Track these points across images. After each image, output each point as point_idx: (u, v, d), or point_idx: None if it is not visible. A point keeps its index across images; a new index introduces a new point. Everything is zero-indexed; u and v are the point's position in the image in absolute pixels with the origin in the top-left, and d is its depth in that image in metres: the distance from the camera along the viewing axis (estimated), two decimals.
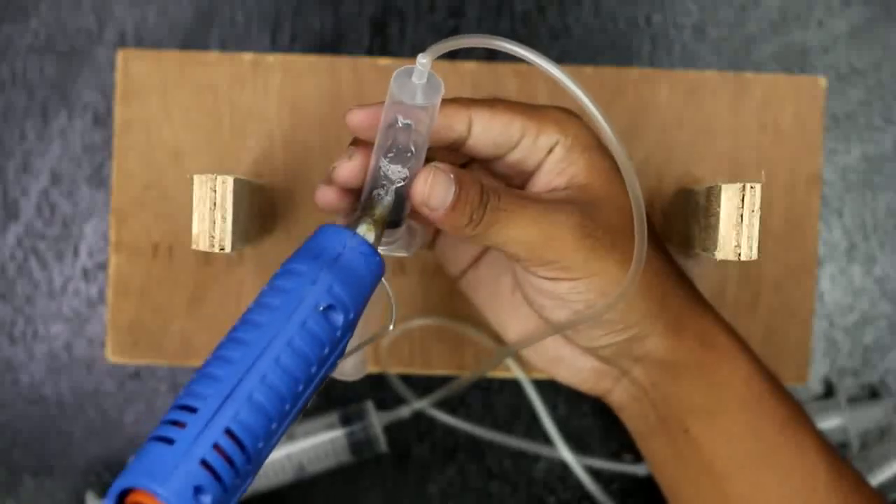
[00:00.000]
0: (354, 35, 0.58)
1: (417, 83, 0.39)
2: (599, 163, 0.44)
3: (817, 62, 0.59)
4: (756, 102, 0.57)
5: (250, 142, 0.57)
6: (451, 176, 0.40)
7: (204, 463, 0.34)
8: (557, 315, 0.45)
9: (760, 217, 0.43)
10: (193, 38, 0.58)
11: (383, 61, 0.57)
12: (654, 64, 0.59)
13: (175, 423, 0.35)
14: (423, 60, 0.39)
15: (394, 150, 0.41)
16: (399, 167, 0.41)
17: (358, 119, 0.43)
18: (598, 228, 0.43)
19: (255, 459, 0.36)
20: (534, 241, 0.42)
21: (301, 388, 0.37)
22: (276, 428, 0.36)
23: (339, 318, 0.38)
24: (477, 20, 0.58)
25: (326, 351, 0.38)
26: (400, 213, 0.43)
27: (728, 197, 0.43)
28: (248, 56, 0.57)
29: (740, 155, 0.57)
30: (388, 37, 0.58)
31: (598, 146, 0.45)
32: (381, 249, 0.43)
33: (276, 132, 0.57)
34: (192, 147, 0.57)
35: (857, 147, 0.59)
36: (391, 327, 0.43)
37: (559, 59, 0.58)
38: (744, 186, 0.43)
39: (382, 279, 0.41)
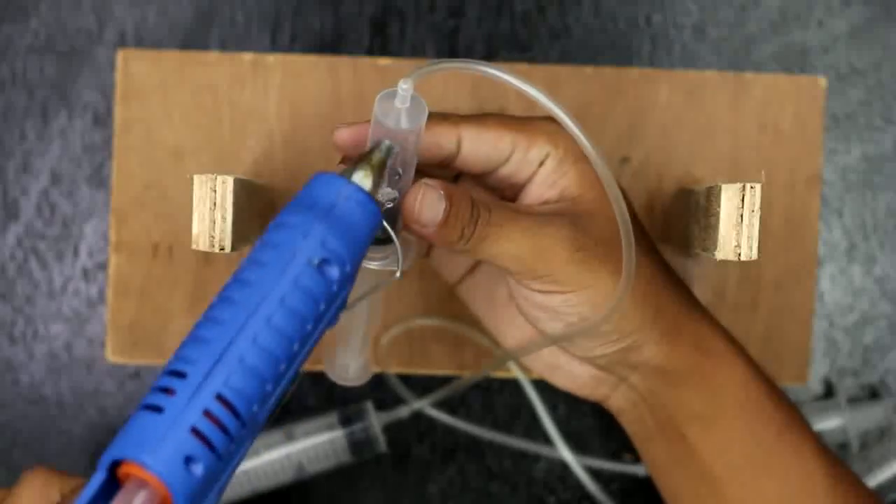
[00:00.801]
0: (354, 35, 0.58)
1: (401, 107, 0.40)
2: (591, 174, 0.44)
3: (817, 62, 0.59)
4: (756, 102, 0.57)
5: (250, 142, 0.57)
6: (442, 192, 0.40)
7: (194, 431, 0.33)
8: (551, 327, 0.45)
9: (760, 217, 0.43)
10: (193, 38, 0.58)
11: (383, 61, 0.57)
12: (654, 64, 0.59)
13: (164, 390, 0.33)
14: (405, 86, 0.39)
15: None
16: (388, 188, 0.41)
17: (343, 138, 0.43)
18: (590, 241, 0.43)
19: (250, 424, 0.34)
20: (525, 254, 0.42)
21: (296, 346, 0.35)
22: (271, 390, 0.35)
23: (334, 272, 0.36)
24: (477, 20, 0.58)
25: (322, 307, 0.36)
26: (393, 230, 0.43)
27: (728, 197, 0.43)
28: (248, 56, 0.57)
29: (740, 155, 0.57)
30: (388, 37, 0.58)
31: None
32: (374, 265, 0.43)
33: (276, 132, 0.57)
34: (192, 147, 0.57)
35: (857, 147, 0.59)
36: (398, 275, 0.41)
37: (559, 60, 0.58)
38: (744, 186, 0.43)
39: (385, 224, 0.39)
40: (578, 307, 0.44)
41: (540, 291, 0.44)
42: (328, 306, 0.37)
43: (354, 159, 0.40)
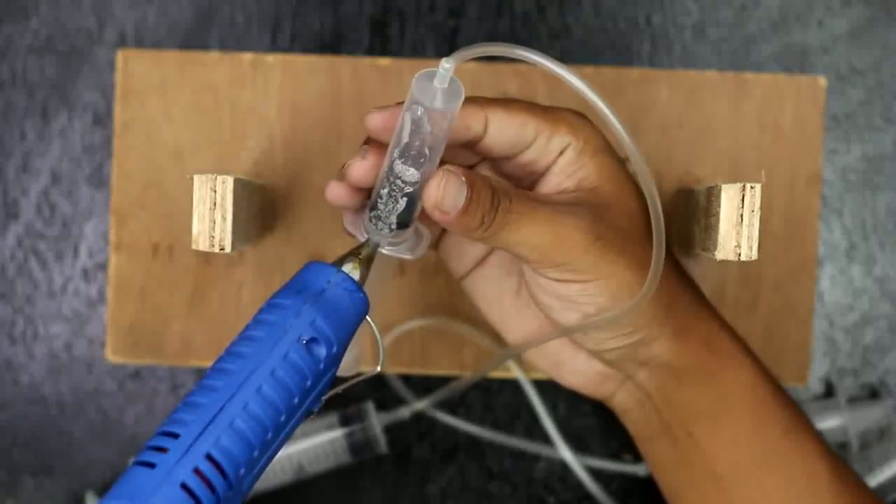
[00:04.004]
0: (354, 35, 0.58)
1: (438, 87, 0.39)
2: (609, 166, 0.45)
3: (817, 62, 0.59)
4: (756, 102, 0.57)
5: (250, 142, 0.57)
6: (463, 179, 0.40)
7: (184, 486, 0.35)
8: (565, 317, 0.45)
9: (760, 217, 0.43)
10: (193, 38, 0.58)
11: (383, 61, 0.57)
12: (654, 64, 0.58)
13: (157, 448, 0.35)
14: (447, 65, 0.39)
15: (408, 153, 0.41)
16: (412, 170, 0.41)
17: (376, 122, 0.43)
18: (608, 231, 0.43)
19: (236, 486, 0.36)
20: (544, 243, 0.42)
21: (283, 417, 0.38)
22: (258, 456, 0.37)
23: (321, 351, 0.39)
24: (477, 20, 0.58)
25: (309, 383, 0.39)
26: (410, 215, 0.43)
27: (728, 197, 0.43)
28: (248, 56, 0.57)
29: (740, 155, 0.57)
30: (388, 37, 0.58)
31: (609, 150, 0.45)
32: (386, 250, 0.44)
33: (276, 132, 0.57)
34: (192, 147, 0.57)
35: (857, 147, 0.59)
36: (379, 368, 0.43)
37: (559, 60, 0.58)
38: (744, 186, 0.43)
39: (368, 318, 0.42)
40: (596, 296, 0.44)
41: (557, 280, 0.44)
42: (314, 383, 0.39)
43: (345, 253, 0.42)
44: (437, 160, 0.41)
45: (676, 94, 0.57)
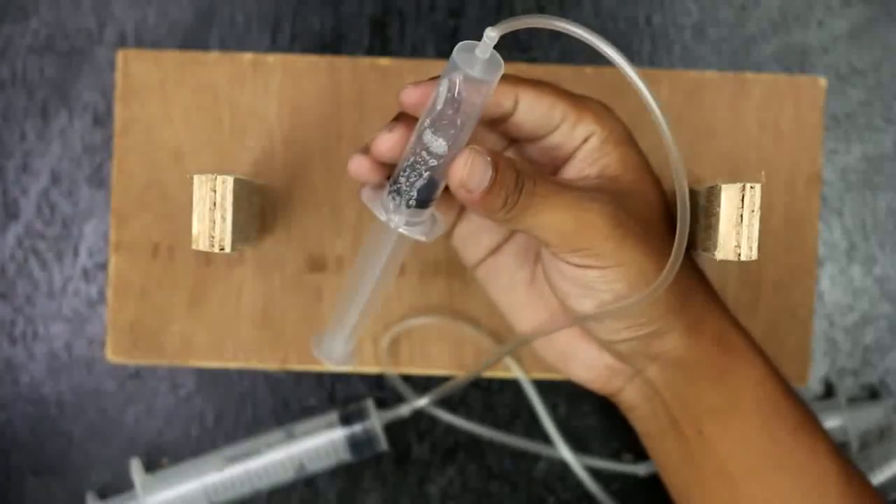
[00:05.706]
0: (354, 35, 0.58)
1: (480, 56, 0.39)
2: (631, 157, 0.45)
3: (817, 62, 0.59)
4: (756, 102, 0.57)
5: (250, 142, 0.57)
6: (489, 159, 0.41)
7: None
8: (581, 304, 0.45)
9: (760, 217, 0.43)
10: (193, 38, 0.58)
11: (383, 61, 0.57)
12: (654, 64, 0.58)
13: None
14: (492, 34, 0.39)
15: (440, 122, 0.40)
16: (441, 140, 0.41)
17: (412, 96, 0.43)
18: (629, 219, 0.43)
19: None
20: (567, 227, 0.42)
21: None
22: None
23: None
24: (477, 20, 0.58)
25: None
26: (431, 194, 0.43)
27: (728, 197, 0.43)
28: (248, 56, 0.57)
29: (740, 155, 0.57)
30: (388, 37, 0.58)
31: (632, 142, 0.46)
32: (402, 229, 0.43)
33: (276, 132, 0.57)
34: (192, 147, 0.57)
35: (857, 147, 0.59)
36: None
37: (559, 60, 0.58)
38: (744, 186, 0.43)
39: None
40: (614, 283, 0.44)
41: (577, 266, 0.44)
42: None
43: None
44: (466, 137, 0.41)
45: (676, 94, 0.57)
